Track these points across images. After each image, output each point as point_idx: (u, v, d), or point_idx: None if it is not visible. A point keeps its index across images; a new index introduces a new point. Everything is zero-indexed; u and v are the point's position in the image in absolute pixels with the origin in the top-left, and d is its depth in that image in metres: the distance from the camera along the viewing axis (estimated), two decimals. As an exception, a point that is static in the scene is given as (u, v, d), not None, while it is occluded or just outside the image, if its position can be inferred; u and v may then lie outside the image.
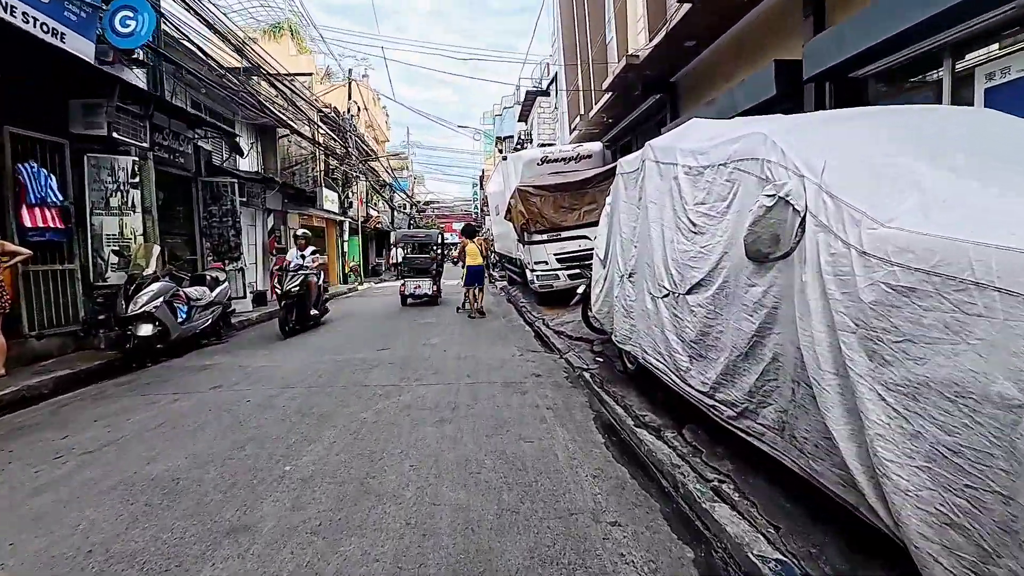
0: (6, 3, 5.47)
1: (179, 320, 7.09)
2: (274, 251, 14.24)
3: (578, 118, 15.43)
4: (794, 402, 2.35)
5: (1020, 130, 2.50)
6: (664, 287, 3.57)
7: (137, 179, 7.43)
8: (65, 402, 5.14)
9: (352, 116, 21.90)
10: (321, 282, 9.91)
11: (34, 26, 5.83)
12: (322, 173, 19.72)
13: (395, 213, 35.18)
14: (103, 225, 7.18)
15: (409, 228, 33.84)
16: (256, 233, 13.94)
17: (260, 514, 2.67)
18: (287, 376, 5.74)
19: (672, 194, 3.52)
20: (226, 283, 8.83)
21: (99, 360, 6.36)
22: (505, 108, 39.39)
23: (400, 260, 15.48)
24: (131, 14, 6.88)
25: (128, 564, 2.29)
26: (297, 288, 8.64)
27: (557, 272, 10.33)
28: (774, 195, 2.27)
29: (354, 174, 22.70)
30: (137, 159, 7.48)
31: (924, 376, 1.69)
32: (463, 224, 15.02)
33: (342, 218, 21.97)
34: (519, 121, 29.26)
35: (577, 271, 9.43)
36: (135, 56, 8.22)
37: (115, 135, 7.09)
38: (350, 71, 23.04)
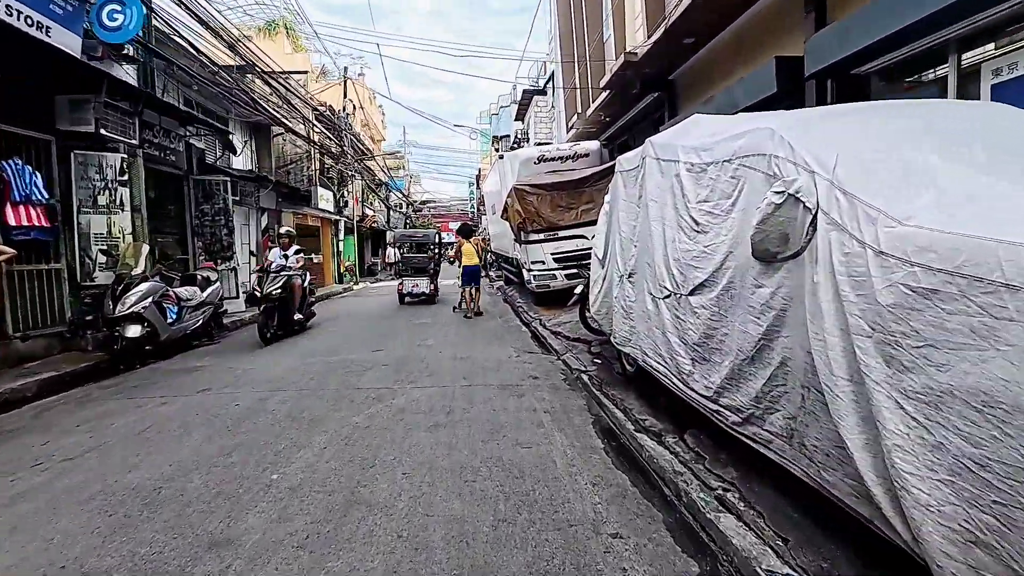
0: (-12, -5, 5.33)
1: (169, 321, 6.94)
2: (268, 250, 14.07)
3: (575, 117, 15.34)
4: (804, 409, 2.24)
5: (1034, 124, 2.40)
6: (665, 288, 3.46)
7: (126, 177, 7.27)
8: (49, 406, 4.99)
9: (348, 115, 21.74)
10: (307, 284, 9.34)
11: (18, 19, 5.69)
12: (317, 172, 19.55)
13: (391, 212, 35.02)
14: (91, 224, 7.02)
15: (405, 227, 33.68)
16: (250, 232, 13.77)
17: (244, 526, 2.54)
18: (278, 378, 5.60)
19: (674, 192, 3.41)
20: (218, 283, 8.68)
21: (86, 362, 6.21)
22: (502, 107, 39.33)
23: (398, 260, 15.38)
24: (119, 7, 6.74)
25: (102, 581, 2.17)
26: (279, 291, 7.98)
27: (554, 272, 10.23)
28: (783, 192, 2.16)
29: (350, 173, 22.54)
30: (126, 156, 7.32)
31: (947, 384, 1.58)
32: (460, 224, 14.99)
33: (337, 217, 21.81)
34: (516, 120, 29.13)
35: (574, 271, 9.33)
36: (125, 52, 8.08)
37: (103, 132, 6.93)
38: (345, 69, 22.88)
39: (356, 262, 24.00)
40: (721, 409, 2.85)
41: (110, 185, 7.11)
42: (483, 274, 14.38)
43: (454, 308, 11.26)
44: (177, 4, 9.50)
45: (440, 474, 3.09)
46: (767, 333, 2.42)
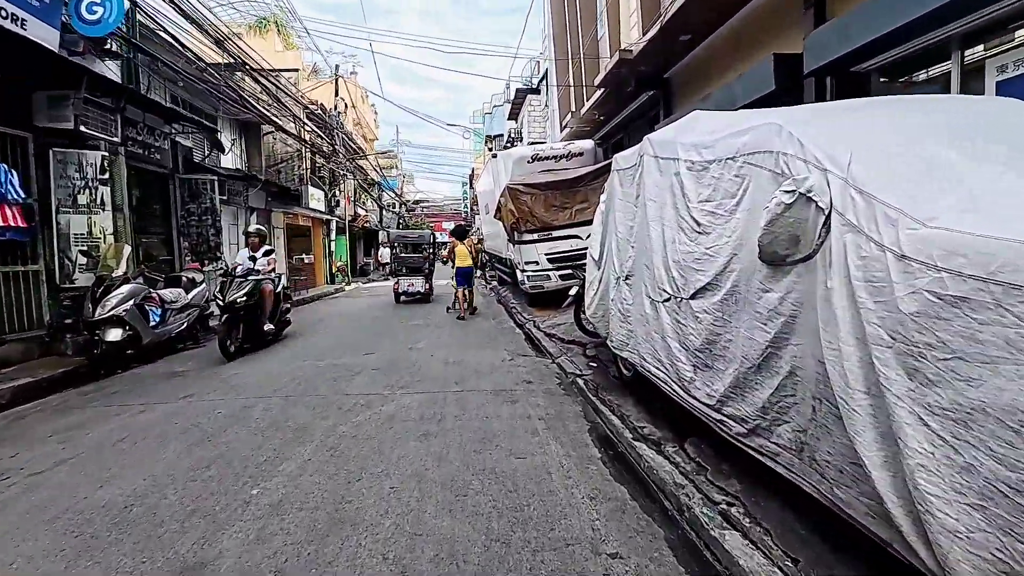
0: (-42, -14, 5.11)
1: (152, 324, 6.73)
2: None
3: (569, 115, 15.20)
4: (815, 421, 2.11)
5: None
6: (665, 291, 3.33)
7: (107, 175, 7.05)
8: (24, 413, 4.79)
9: (339, 113, 21.47)
10: (280, 288, 8.25)
11: (-10, 11, 5.46)
12: (308, 171, 19.29)
13: (384, 212, 34.73)
14: (70, 224, 6.80)
15: (398, 227, 33.44)
16: (238, 232, 13.53)
17: (219, 548, 2.38)
18: (264, 384, 5.42)
19: (673, 191, 3.28)
20: (204, 284, 8.42)
21: (64, 367, 5.99)
22: (495, 106, 39.12)
23: (392, 260, 15.35)
24: (98, 0, 6.50)
25: (61, 613, 2.00)
26: (244, 299, 6.90)
27: (548, 272, 10.10)
28: (794, 191, 2.03)
29: (341, 172, 22.27)
30: (107, 154, 7.10)
31: (979, 400, 1.46)
32: (454, 224, 15.01)
33: (329, 217, 21.54)
34: (509, 119, 28.96)
35: (569, 271, 9.19)
36: (107, 47, 7.85)
37: (83, 129, 6.70)
38: (337, 67, 22.60)
39: (348, 262, 23.74)
40: (725, 419, 2.72)
41: (90, 184, 6.89)
42: (478, 275, 14.39)
43: (448, 308, 11.19)
44: (162, -1, 9.27)
45: (430, 487, 2.94)
46: (775, 340, 2.29)
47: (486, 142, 36.65)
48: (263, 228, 8.32)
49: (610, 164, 4.80)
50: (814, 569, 2.06)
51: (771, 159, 2.34)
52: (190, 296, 7.81)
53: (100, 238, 6.93)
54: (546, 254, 10.12)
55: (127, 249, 6.92)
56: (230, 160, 13.82)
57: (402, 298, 13.08)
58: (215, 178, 10.50)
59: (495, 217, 11.54)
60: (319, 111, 19.36)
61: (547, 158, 11.15)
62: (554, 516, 2.60)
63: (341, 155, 21.16)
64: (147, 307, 6.71)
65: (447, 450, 3.48)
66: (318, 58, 36.96)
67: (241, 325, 7.08)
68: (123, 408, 4.72)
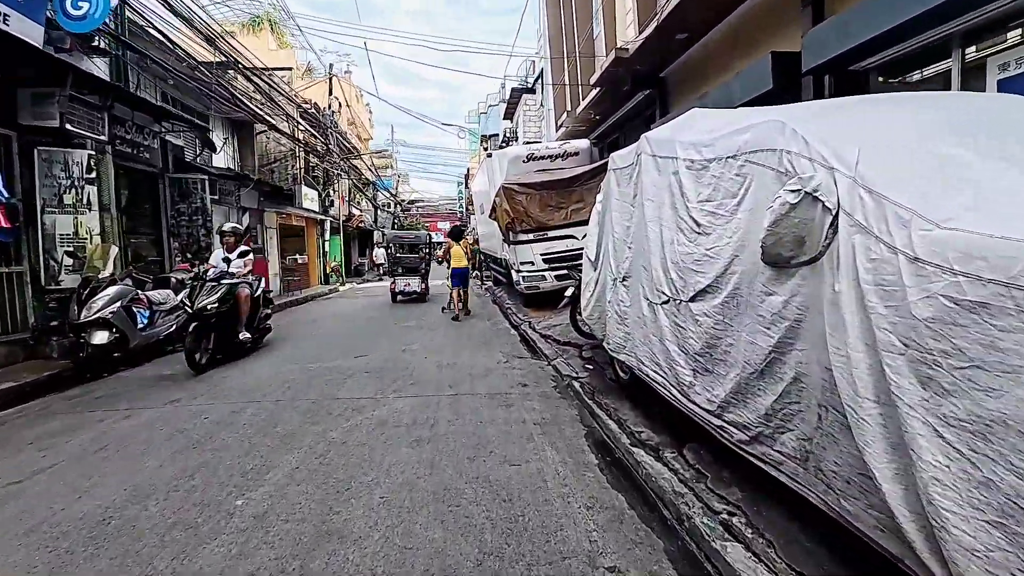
0: (-64, -21, 4.96)
1: (139, 326, 6.60)
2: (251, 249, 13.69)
3: (564, 115, 15.12)
4: (820, 430, 2.03)
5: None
6: (664, 293, 3.24)
7: (94, 174, 6.90)
8: (4, 419, 4.65)
9: (333, 112, 21.31)
10: (259, 293, 7.53)
11: (-29, 6, 5.32)
12: (302, 171, 19.13)
13: (379, 212, 34.56)
14: (56, 224, 6.65)
15: (393, 227, 33.31)
16: (231, 232, 13.36)
17: (200, 564, 2.27)
18: (253, 388, 5.30)
19: (672, 191, 3.20)
20: (194, 285, 8.27)
21: (49, 371, 5.86)
22: (490, 106, 38.95)
23: (389, 260, 15.41)
24: (83, -5, 6.37)
25: (29, 636, 1.89)
26: (215, 305, 6.21)
27: (543, 273, 10.02)
28: (800, 190, 1.95)
29: (336, 172, 22.11)
30: (94, 153, 6.95)
31: (999, 412, 1.37)
32: (449, 224, 15.11)
33: (323, 217, 21.38)
34: (504, 119, 28.83)
35: (564, 272, 9.10)
36: (94, 43, 7.71)
37: (68, 127, 6.56)
38: (331, 66, 22.42)
39: (342, 262, 23.58)
40: (726, 425, 2.64)
41: (77, 183, 6.74)
42: (473, 275, 14.42)
43: (443, 309, 11.16)
44: (152, -5, 9.13)
45: (421, 497, 2.84)
46: (778, 345, 2.20)
47: (481, 142, 36.51)
48: (239, 227, 7.55)
49: (606, 163, 4.72)
50: (820, 584, 1.98)
51: (774, 157, 2.26)
52: (179, 297, 7.66)
53: (87, 239, 6.79)
54: (542, 254, 10.03)
55: (114, 250, 6.79)
56: (222, 159, 13.66)
57: (399, 297, 13.47)
58: (206, 177, 10.35)
59: (490, 217, 11.45)
60: (313, 110, 19.20)
61: (542, 158, 11.06)
62: (550, 527, 2.51)
63: (335, 154, 21.00)
64: (135, 309, 6.58)
65: (439, 457, 3.38)
66: (312, 57, 36.69)
67: (213, 334, 6.39)
68: (107, 413, 4.60)
